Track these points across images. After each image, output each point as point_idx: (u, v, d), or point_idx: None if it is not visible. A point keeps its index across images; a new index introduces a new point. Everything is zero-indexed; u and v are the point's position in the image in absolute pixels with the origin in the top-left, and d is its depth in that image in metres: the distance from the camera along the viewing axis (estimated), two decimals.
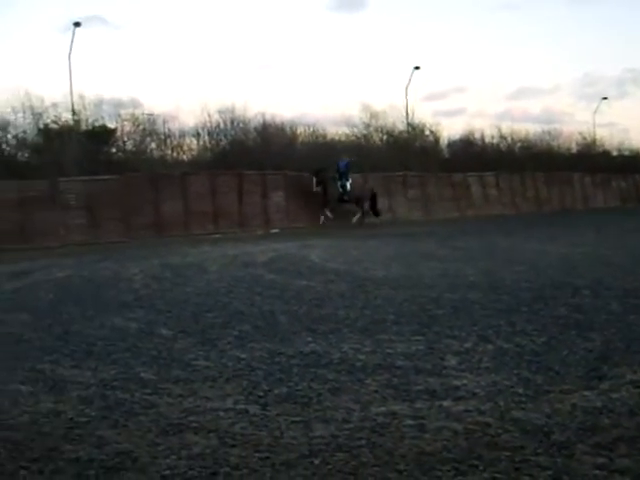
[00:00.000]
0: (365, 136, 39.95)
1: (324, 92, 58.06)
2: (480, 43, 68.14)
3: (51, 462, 4.03)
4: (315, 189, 28.39)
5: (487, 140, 43.16)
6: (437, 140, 42.12)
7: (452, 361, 5.91)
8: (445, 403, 4.78)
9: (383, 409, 4.71)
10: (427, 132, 41.53)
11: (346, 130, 39.71)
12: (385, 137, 40.26)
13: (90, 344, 7.13)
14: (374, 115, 40.04)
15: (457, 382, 5.28)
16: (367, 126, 40.11)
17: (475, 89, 66.26)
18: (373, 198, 29.28)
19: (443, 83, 69.22)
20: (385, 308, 8.56)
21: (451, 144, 43.15)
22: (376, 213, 29.45)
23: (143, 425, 4.59)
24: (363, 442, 4.14)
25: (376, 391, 5.13)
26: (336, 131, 39.72)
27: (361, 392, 5.13)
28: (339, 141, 38.76)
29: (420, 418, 4.50)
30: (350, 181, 28.79)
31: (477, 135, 42.99)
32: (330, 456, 3.96)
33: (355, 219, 28.97)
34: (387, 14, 66.45)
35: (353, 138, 39.56)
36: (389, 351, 6.34)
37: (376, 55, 64.29)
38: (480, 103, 66.61)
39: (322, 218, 28.43)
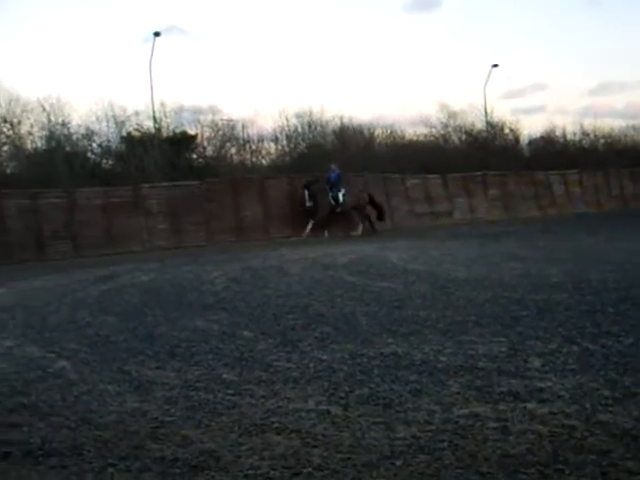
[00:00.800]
0: (443, 136, 39.66)
1: (401, 93, 57.77)
2: (559, 39, 66.59)
3: (137, 460, 4.12)
4: (308, 204, 25.76)
5: (569, 137, 42.29)
6: (517, 138, 41.48)
7: (536, 362, 5.81)
8: (529, 405, 4.70)
9: (465, 411, 4.66)
10: (507, 130, 40.96)
11: (424, 130, 39.53)
12: (464, 136, 39.86)
13: (174, 346, 7.27)
14: (452, 115, 39.74)
15: (541, 384, 5.19)
16: (445, 126, 39.83)
17: (555, 85, 64.72)
18: (372, 202, 26.80)
19: (522, 80, 67.90)
20: (467, 309, 8.47)
21: (532, 142, 42.42)
22: (380, 217, 26.88)
23: (226, 425, 4.65)
24: (445, 444, 4.10)
25: (458, 393, 5.08)
26: (414, 132, 39.58)
27: (443, 394, 5.09)
28: (417, 141, 38.59)
29: (503, 420, 4.44)
30: (343, 191, 26.22)
31: (558, 132, 42.15)
32: (412, 458, 3.94)
33: (359, 229, 26.46)
34: (463, 12, 65.60)
35: (431, 138, 39.34)
36: (471, 352, 6.27)
37: (453, 54, 63.59)
38: (561, 100, 65.00)
39: (308, 230, 25.62)
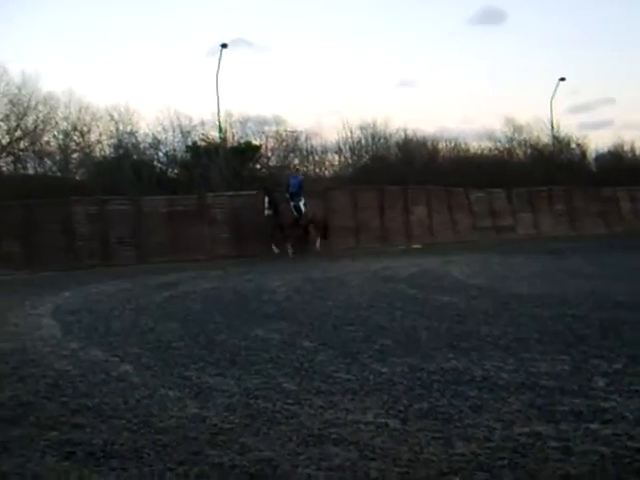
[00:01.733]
0: (508, 150, 39.23)
1: (465, 106, 57.33)
2: (628, 52, 65.20)
3: (196, 466, 4.16)
4: (267, 212, 22.84)
5: (638, 152, 41.42)
6: (584, 153, 40.80)
7: (600, 382, 5.69)
8: (592, 426, 4.60)
9: (526, 429, 4.58)
10: (573, 145, 40.34)
11: (488, 144, 39.18)
12: (529, 151, 39.38)
13: (234, 354, 7.33)
14: (517, 128, 39.31)
15: (605, 404, 5.07)
16: (510, 140, 39.41)
17: (623, 100, 63.43)
18: (324, 220, 24.44)
19: (589, 94, 66.72)
20: (529, 326, 8.34)
21: (599, 157, 41.68)
22: (324, 235, 24.39)
23: (284, 434, 4.66)
24: (505, 462, 4.04)
25: (519, 410, 5.00)
26: (478, 145, 39.27)
27: (503, 411, 5.01)
28: (481, 155, 38.27)
29: (565, 440, 4.35)
30: (303, 201, 23.34)
31: (627, 147, 41.33)
32: (470, 475, 3.89)
33: (317, 245, 23.91)
34: (529, 26, 64.69)
35: (496, 152, 38.96)
36: (533, 370, 6.16)
37: (519, 67, 62.81)
38: (629, 114, 63.63)
39: (274, 247, 22.80)
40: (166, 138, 32.06)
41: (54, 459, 4.36)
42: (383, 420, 4.88)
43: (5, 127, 29.16)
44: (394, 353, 7.07)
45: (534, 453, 4.16)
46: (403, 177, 29.52)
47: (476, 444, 4.35)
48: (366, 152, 35.73)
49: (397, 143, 36.15)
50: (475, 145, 39.32)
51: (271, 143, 33.48)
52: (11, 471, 4.17)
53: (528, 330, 8.05)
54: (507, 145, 39.38)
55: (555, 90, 37.77)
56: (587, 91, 64.53)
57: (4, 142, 29.23)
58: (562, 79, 37.89)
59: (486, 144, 39.29)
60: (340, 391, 5.70)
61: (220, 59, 30.47)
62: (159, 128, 31.90)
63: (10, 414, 5.39)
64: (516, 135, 39.45)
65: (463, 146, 38.27)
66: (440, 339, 7.72)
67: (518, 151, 39.64)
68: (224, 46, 30.63)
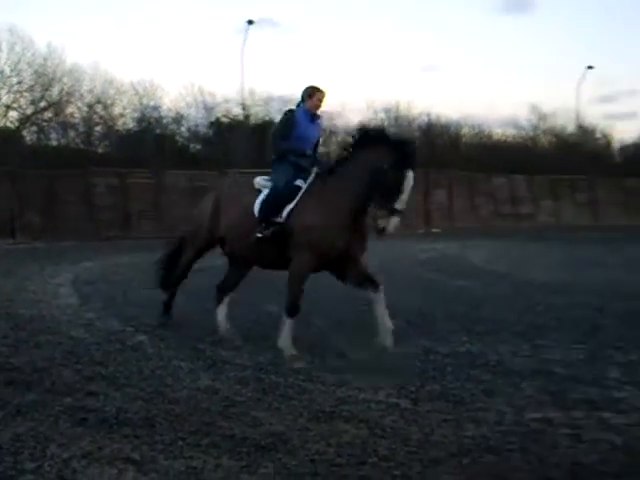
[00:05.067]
0: (532, 138, 38.91)
1: (490, 93, 56.76)
2: None
3: (207, 436, 4.18)
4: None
5: None
6: (609, 143, 40.46)
7: (614, 372, 5.65)
8: (605, 414, 4.58)
9: (538, 415, 4.57)
10: (598, 135, 39.97)
11: (512, 131, 38.86)
12: (553, 139, 39.05)
13: (249, 328, 7.30)
14: (542, 117, 38.92)
15: (619, 394, 5.05)
16: (535, 128, 39.06)
17: None
18: None
19: (615, 85, 65.79)
20: (546, 314, 8.30)
21: (624, 148, 41.26)
22: None
23: (296, 409, 4.68)
24: (515, 446, 4.03)
25: (531, 396, 4.99)
26: (502, 132, 38.92)
27: (516, 396, 5.00)
28: (504, 142, 37.99)
29: (576, 427, 4.33)
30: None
31: None
32: (479, 457, 3.89)
33: None
34: (556, 14, 63.58)
35: (519, 140, 38.64)
36: (547, 357, 6.15)
37: (545, 56, 61.89)
38: None
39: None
40: (189, 114, 32.12)
41: (67, 424, 4.39)
42: (394, 400, 4.89)
43: (30, 97, 29.24)
44: (407, 335, 7.04)
45: (544, 439, 4.15)
46: (425, 161, 29.36)
47: (487, 427, 4.35)
48: None
49: (420, 127, 35.95)
50: (499, 132, 39.02)
51: None
52: (25, 433, 4.20)
53: (545, 317, 8.04)
54: (531, 133, 39.07)
55: (582, 79, 37.37)
56: (613, 82, 63.85)
57: (29, 112, 29.34)
58: (590, 67, 37.49)
59: (510, 131, 39.02)
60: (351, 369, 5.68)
61: (246, 36, 30.37)
62: (182, 104, 31.95)
63: (26, 379, 5.44)
64: (541, 123, 39.13)
65: (486, 133, 37.99)
66: (456, 323, 7.71)
67: (542, 139, 39.32)
68: (250, 22, 30.52)
